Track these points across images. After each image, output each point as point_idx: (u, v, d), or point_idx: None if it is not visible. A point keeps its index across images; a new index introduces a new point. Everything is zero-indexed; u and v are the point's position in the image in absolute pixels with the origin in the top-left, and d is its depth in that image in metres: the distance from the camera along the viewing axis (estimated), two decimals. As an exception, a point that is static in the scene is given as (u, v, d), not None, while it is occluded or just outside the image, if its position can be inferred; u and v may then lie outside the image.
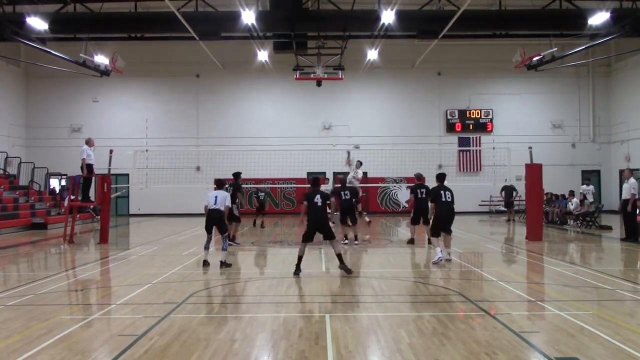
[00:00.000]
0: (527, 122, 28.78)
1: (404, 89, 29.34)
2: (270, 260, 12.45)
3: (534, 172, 15.63)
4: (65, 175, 26.35)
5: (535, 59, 21.46)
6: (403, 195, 28.30)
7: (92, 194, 17.03)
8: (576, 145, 29.46)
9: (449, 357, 5.20)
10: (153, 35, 25.31)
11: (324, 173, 26.14)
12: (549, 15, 21.05)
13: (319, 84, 24.55)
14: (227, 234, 11.16)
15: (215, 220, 10.75)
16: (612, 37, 20.20)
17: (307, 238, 9.82)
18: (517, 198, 23.53)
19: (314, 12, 21.17)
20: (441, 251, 10.97)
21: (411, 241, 14.45)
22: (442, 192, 11.17)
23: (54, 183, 27.53)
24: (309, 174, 26.53)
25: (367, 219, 19.13)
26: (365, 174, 21.23)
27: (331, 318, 6.65)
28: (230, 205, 11.25)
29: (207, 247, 10.88)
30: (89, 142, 16.12)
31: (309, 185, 25.85)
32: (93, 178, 16.57)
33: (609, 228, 18.53)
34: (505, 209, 24.03)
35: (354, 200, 14.92)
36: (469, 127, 29.19)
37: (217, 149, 25.98)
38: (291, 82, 25.47)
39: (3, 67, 26.90)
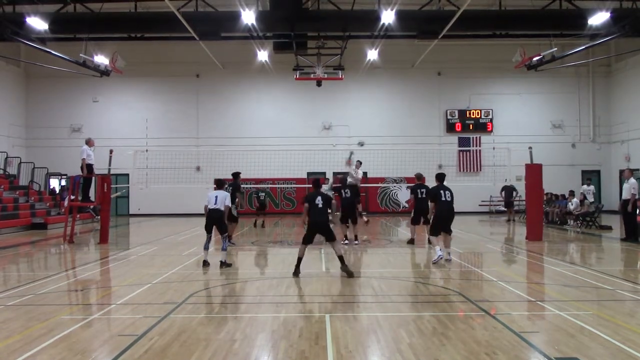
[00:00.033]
0: (527, 122, 28.79)
1: (404, 89, 29.34)
2: (270, 260, 12.45)
3: (534, 172, 15.63)
4: (65, 175, 26.35)
5: (535, 59, 21.46)
6: (403, 195, 28.31)
7: (92, 194, 17.03)
8: (576, 145, 29.47)
9: (449, 357, 5.19)
10: (153, 35, 25.31)
11: (324, 173, 26.15)
12: (549, 15, 21.06)
13: (319, 84, 24.56)
14: (227, 234, 11.16)
15: (215, 220, 10.75)
16: (612, 37, 20.20)
17: (307, 240, 9.78)
18: (517, 198, 23.54)
19: (314, 12, 21.19)
20: (440, 250, 10.98)
21: (411, 241, 14.45)
22: (441, 191, 11.18)
23: (54, 183, 27.53)
24: (309, 174, 26.55)
25: (365, 218, 19.13)
26: (365, 174, 21.22)
27: (331, 318, 6.65)
28: (230, 205, 11.25)
29: (206, 247, 10.88)
30: (89, 142, 16.12)
31: (308, 186, 25.88)
32: (93, 178, 16.57)
33: (609, 228, 18.53)
34: (505, 209, 24.03)
35: (355, 200, 14.90)
36: (469, 127, 29.20)
37: (217, 149, 25.99)
38: (291, 82, 25.48)
39: (3, 67, 26.90)
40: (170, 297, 7.92)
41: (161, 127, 28.93)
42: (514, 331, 5.96)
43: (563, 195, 21.98)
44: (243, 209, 16.32)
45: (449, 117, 29.27)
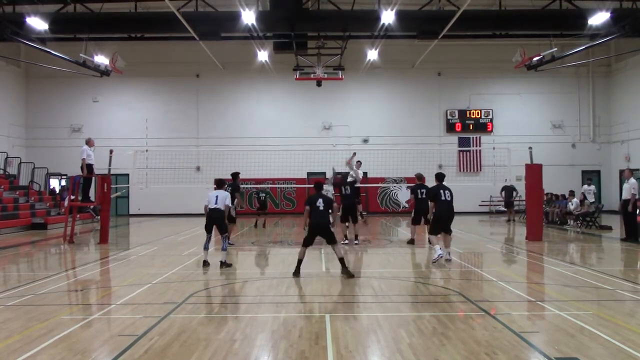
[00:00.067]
0: (527, 122, 28.79)
1: (404, 89, 29.34)
2: (270, 260, 12.44)
3: (534, 172, 15.63)
4: (65, 175, 26.35)
5: (535, 59, 21.46)
6: (403, 195, 28.31)
7: (92, 194, 17.03)
8: (576, 146, 29.47)
9: (449, 357, 5.20)
10: (153, 35, 25.31)
11: (324, 173, 26.14)
12: (549, 15, 21.06)
13: (319, 84, 24.56)
14: (227, 234, 11.16)
15: (216, 220, 10.74)
16: (612, 37, 20.21)
17: (308, 242, 9.75)
18: (517, 198, 23.54)
19: (314, 12, 21.18)
20: (440, 249, 10.98)
21: (411, 241, 14.45)
22: (441, 191, 11.20)
23: (54, 183, 27.53)
24: (309, 174, 26.56)
25: (361, 219, 19.15)
26: (365, 174, 21.22)
27: (331, 318, 6.65)
28: (230, 205, 11.24)
29: (206, 247, 10.88)
30: (89, 142, 16.12)
31: (308, 186, 25.83)
32: (93, 178, 16.57)
33: (609, 228, 18.53)
34: (506, 209, 24.03)
35: (356, 200, 14.89)
36: (469, 127, 29.20)
37: (217, 149, 25.99)
38: (291, 82, 25.48)
39: (3, 67, 26.90)
40: (170, 297, 7.92)
41: (161, 127, 28.93)
42: (514, 331, 5.96)
43: (563, 196, 21.98)
44: (243, 209, 16.30)
45: (449, 117, 29.26)
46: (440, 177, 11.62)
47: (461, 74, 29.01)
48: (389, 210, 28.90)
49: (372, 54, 24.42)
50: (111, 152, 16.77)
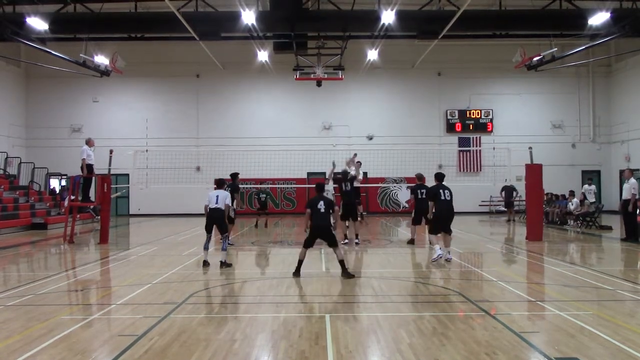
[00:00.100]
0: (527, 122, 28.79)
1: (404, 89, 29.34)
2: (270, 261, 12.44)
3: (534, 172, 15.63)
4: (66, 175, 26.35)
5: (535, 59, 21.47)
6: (403, 195, 28.32)
7: (92, 194, 17.03)
8: (576, 146, 29.47)
9: (449, 357, 5.19)
10: (153, 35, 25.31)
11: (324, 173, 26.12)
12: (549, 15, 21.07)
13: (319, 84, 24.57)
14: (227, 234, 11.15)
15: (216, 220, 10.74)
16: (612, 37, 20.21)
17: (308, 244, 9.75)
18: (517, 198, 23.54)
19: (314, 12, 21.19)
20: (440, 249, 10.99)
21: (411, 241, 14.45)
22: (441, 190, 11.22)
23: (54, 183, 27.53)
24: (309, 174, 26.56)
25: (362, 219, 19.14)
26: (365, 174, 21.22)
27: (331, 318, 6.65)
28: (230, 204, 11.25)
29: (206, 247, 10.88)
30: (89, 142, 16.12)
31: (308, 186, 25.78)
32: (93, 178, 16.57)
33: (609, 228, 18.53)
34: (506, 209, 24.03)
35: (356, 201, 14.87)
36: (469, 127, 29.20)
37: (217, 149, 25.98)
38: (291, 82, 25.49)
39: (3, 67, 26.90)
40: (170, 297, 7.92)
41: (161, 127, 28.93)
42: (514, 331, 5.96)
43: (563, 196, 21.98)
44: (242, 209, 16.29)
45: (449, 117, 29.27)
46: (439, 177, 11.62)
47: (461, 74, 29.01)
48: (389, 210, 28.90)
49: (372, 54, 24.43)
50: (111, 152, 16.77)
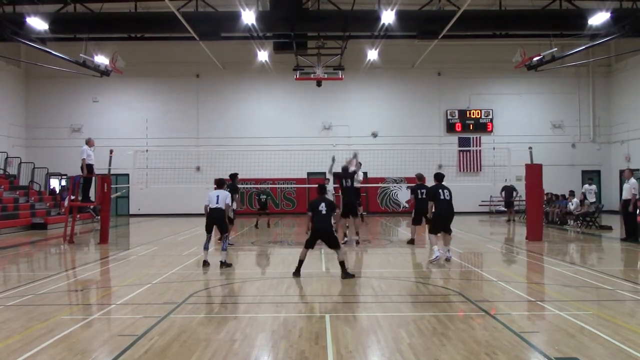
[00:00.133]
0: (527, 122, 28.78)
1: (404, 89, 29.34)
2: (270, 260, 12.45)
3: (534, 172, 15.63)
4: (66, 175, 26.34)
5: (535, 59, 21.48)
6: (403, 195, 28.32)
7: (92, 194, 17.03)
8: (576, 146, 29.47)
9: (449, 357, 5.19)
10: (153, 35, 25.32)
11: (324, 173, 26.11)
12: (549, 15, 21.07)
13: (319, 84, 24.56)
14: (227, 234, 11.15)
15: (216, 220, 10.74)
16: (612, 37, 20.21)
17: (309, 245, 9.75)
18: (517, 198, 23.54)
19: (314, 12, 21.19)
20: (438, 250, 10.99)
21: (411, 241, 14.45)
22: (440, 190, 11.22)
23: (54, 183, 27.52)
24: (309, 174, 26.55)
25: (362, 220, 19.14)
26: (365, 174, 21.21)
27: (331, 318, 6.64)
28: (230, 204, 11.24)
29: (206, 247, 10.88)
30: (89, 142, 16.12)
31: (308, 186, 25.75)
32: (93, 178, 16.57)
33: (609, 228, 18.53)
34: (506, 209, 24.03)
35: (357, 202, 14.86)
36: (469, 127, 29.20)
37: (217, 149, 25.96)
38: (291, 82, 25.48)
39: (3, 67, 26.90)
40: (170, 297, 7.92)
41: (161, 127, 28.93)
42: (514, 331, 5.96)
43: (563, 196, 21.98)
44: (242, 209, 16.29)
45: (449, 117, 29.27)
46: (439, 177, 11.63)
47: (461, 74, 29.01)
48: (389, 210, 28.90)
49: (372, 54, 24.43)
50: (111, 152, 16.76)
